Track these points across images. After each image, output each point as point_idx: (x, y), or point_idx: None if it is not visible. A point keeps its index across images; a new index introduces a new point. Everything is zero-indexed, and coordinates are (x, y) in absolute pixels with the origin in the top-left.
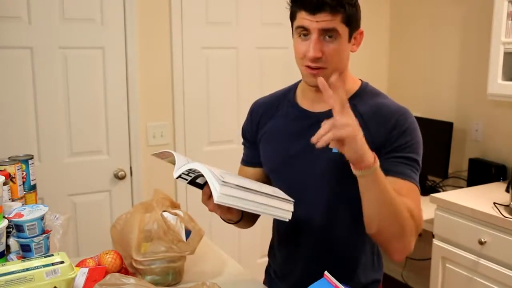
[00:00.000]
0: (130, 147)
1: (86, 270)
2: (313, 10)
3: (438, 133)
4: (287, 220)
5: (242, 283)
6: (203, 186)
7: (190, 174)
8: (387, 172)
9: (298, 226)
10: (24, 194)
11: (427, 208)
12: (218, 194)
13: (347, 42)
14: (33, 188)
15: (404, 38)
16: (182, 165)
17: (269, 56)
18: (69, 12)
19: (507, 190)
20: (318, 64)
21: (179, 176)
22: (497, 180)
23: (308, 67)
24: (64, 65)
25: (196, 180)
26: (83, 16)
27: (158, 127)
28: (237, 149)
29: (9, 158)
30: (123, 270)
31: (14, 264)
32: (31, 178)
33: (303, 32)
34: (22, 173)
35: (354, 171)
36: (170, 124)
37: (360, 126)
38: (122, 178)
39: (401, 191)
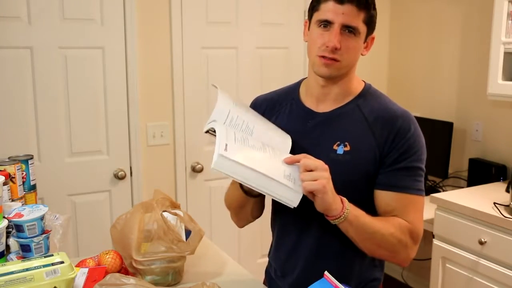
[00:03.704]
0: (130, 147)
1: (86, 270)
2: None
3: (438, 133)
4: (292, 207)
5: (242, 283)
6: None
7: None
8: (388, 186)
9: (298, 225)
10: (24, 194)
11: (427, 208)
12: (212, 165)
13: (362, 43)
14: (33, 188)
15: (404, 38)
16: (211, 120)
17: (269, 56)
18: (69, 12)
19: (507, 190)
20: (334, 56)
21: (207, 131)
22: (497, 180)
23: (323, 57)
24: (64, 65)
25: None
26: (83, 16)
27: (158, 127)
28: None
29: (9, 158)
30: (123, 270)
31: (14, 264)
32: (31, 178)
33: (325, 24)
34: (22, 173)
35: (328, 219)
36: (170, 124)
37: (364, 127)
38: (122, 178)
39: (400, 205)
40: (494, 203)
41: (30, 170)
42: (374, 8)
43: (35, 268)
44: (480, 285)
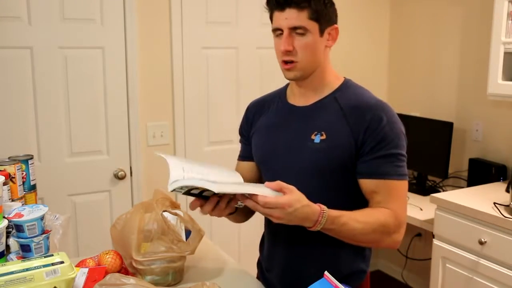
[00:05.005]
0: (130, 147)
1: (86, 270)
2: (282, 6)
3: (438, 133)
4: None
5: (242, 283)
6: (197, 195)
7: (183, 188)
8: (370, 175)
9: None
10: (24, 194)
11: (427, 208)
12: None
13: (319, 37)
14: (33, 188)
15: (404, 38)
16: (174, 180)
17: (269, 56)
18: (69, 12)
19: (507, 190)
20: (290, 58)
21: (173, 190)
22: (497, 180)
23: (284, 62)
24: (64, 65)
25: (191, 191)
26: (83, 16)
27: (158, 127)
28: (237, 149)
29: (9, 158)
30: (123, 270)
31: (14, 264)
32: (31, 178)
33: (278, 32)
34: (22, 173)
35: None
36: (170, 124)
37: (339, 117)
38: (122, 178)
39: (383, 192)
40: (494, 203)
41: (30, 170)
42: (324, 2)
43: (35, 268)
44: (480, 285)
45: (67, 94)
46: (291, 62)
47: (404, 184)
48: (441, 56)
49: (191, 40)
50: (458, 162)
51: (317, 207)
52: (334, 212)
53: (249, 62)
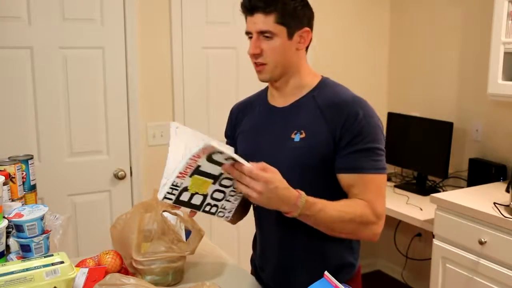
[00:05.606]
0: (130, 147)
1: (86, 270)
2: (250, 11)
3: (438, 133)
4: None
5: (242, 283)
6: (187, 203)
7: (173, 192)
8: (347, 169)
9: (270, 213)
10: (24, 194)
11: (427, 208)
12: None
13: (287, 40)
14: (33, 188)
15: (404, 38)
16: (163, 184)
17: None
18: (69, 12)
19: (507, 190)
20: (258, 60)
21: (164, 198)
22: (497, 180)
23: (255, 64)
24: (64, 65)
25: (179, 198)
26: (83, 16)
27: (158, 127)
28: None
29: (9, 158)
30: (123, 270)
31: (14, 264)
32: (31, 178)
33: (249, 35)
34: (22, 173)
35: None
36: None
37: (317, 115)
38: (122, 178)
39: (360, 186)
40: (494, 203)
41: (30, 170)
42: (290, 4)
43: (35, 268)
44: (480, 285)
45: (67, 94)
46: (261, 64)
47: (381, 177)
48: (441, 56)
49: (191, 40)
50: (458, 162)
51: (296, 192)
52: (312, 199)
53: (248, 61)
